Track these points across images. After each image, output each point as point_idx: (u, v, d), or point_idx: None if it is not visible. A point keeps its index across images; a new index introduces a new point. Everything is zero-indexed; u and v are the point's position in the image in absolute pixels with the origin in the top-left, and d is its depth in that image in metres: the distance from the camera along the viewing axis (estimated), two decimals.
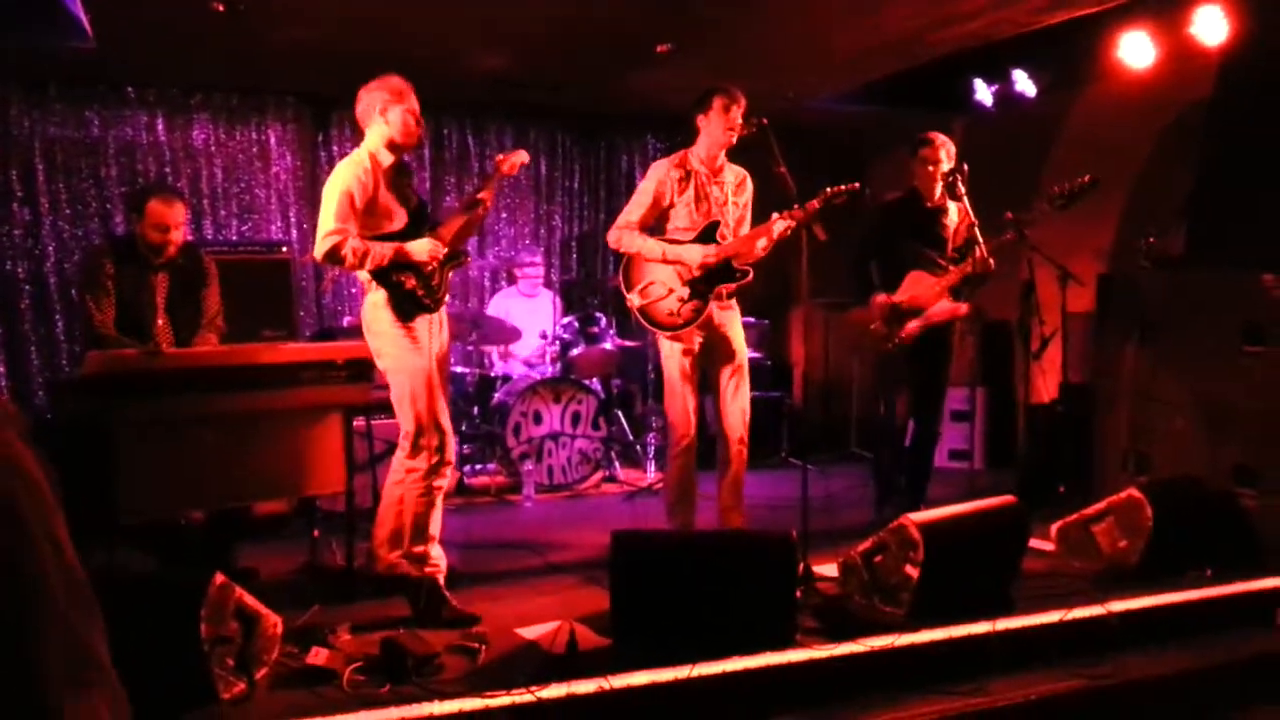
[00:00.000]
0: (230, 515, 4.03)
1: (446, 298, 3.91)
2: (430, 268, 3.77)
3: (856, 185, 4.14)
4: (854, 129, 7.84)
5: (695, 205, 4.31)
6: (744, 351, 4.40)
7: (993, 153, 6.35)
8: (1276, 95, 5.26)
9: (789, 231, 4.12)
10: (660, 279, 4.30)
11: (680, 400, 4.32)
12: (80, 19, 4.97)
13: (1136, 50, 5.72)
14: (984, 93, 6.66)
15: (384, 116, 3.72)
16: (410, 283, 3.72)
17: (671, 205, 4.33)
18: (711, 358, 4.37)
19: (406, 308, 3.71)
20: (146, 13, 5.05)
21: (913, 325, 4.76)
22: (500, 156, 4.05)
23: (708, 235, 4.28)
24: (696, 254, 4.23)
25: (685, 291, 4.25)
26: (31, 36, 5.19)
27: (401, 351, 3.71)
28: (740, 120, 4.20)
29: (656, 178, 4.35)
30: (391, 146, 3.77)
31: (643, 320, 4.37)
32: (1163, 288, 5.24)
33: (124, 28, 5.23)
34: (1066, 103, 6.65)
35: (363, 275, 3.75)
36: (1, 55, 5.68)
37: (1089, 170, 4.51)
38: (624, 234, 4.35)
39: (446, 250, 3.82)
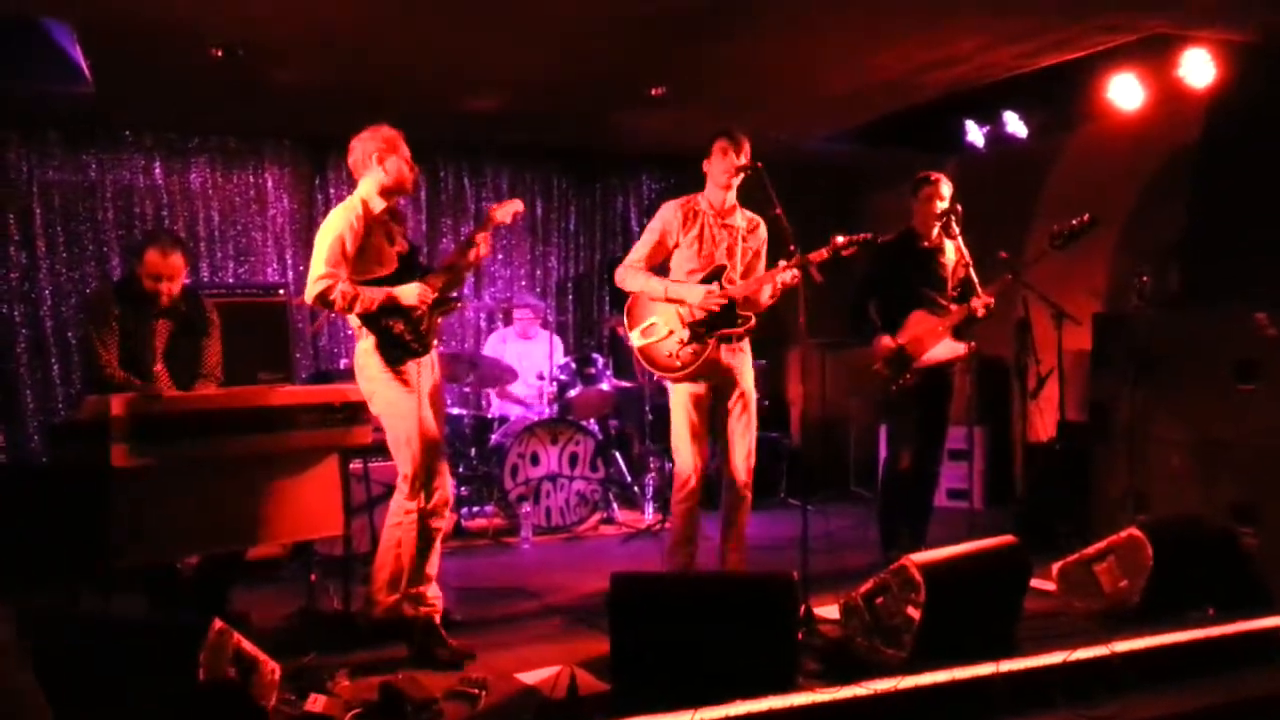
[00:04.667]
0: (224, 559, 3.99)
1: (436, 342, 3.92)
2: (419, 312, 3.79)
3: (867, 235, 4.11)
4: (848, 168, 7.90)
5: (699, 247, 4.30)
6: (753, 394, 4.37)
7: (985, 193, 6.40)
8: (1263, 137, 5.33)
9: (796, 280, 4.09)
10: (662, 319, 4.29)
11: (687, 445, 4.29)
12: (80, 64, 5.02)
13: (1126, 92, 5.79)
14: (976, 134, 6.73)
15: (380, 165, 3.78)
16: (399, 327, 3.75)
17: (677, 246, 4.33)
18: (720, 400, 4.35)
19: (395, 353, 3.74)
20: (145, 58, 5.10)
21: (917, 367, 4.77)
22: (493, 206, 4.03)
23: (712, 280, 4.25)
24: (698, 294, 4.20)
25: (685, 334, 4.23)
26: (31, 81, 5.23)
27: (394, 396, 3.74)
28: (740, 163, 4.20)
29: (663, 218, 4.36)
30: (385, 193, 3.82)
31: (642, 360, 4.37)
32: (1157, 327, 5.27)
33: (123, 72, 5.28)
34: (1058, 144, 6.72)
35: (353, 320, 3.78)
36: (1, 100, 5.71)
37: (1081, 211, 4.55)
38: (628, 272, 4.34)
39: (436, 295, 3.84)
